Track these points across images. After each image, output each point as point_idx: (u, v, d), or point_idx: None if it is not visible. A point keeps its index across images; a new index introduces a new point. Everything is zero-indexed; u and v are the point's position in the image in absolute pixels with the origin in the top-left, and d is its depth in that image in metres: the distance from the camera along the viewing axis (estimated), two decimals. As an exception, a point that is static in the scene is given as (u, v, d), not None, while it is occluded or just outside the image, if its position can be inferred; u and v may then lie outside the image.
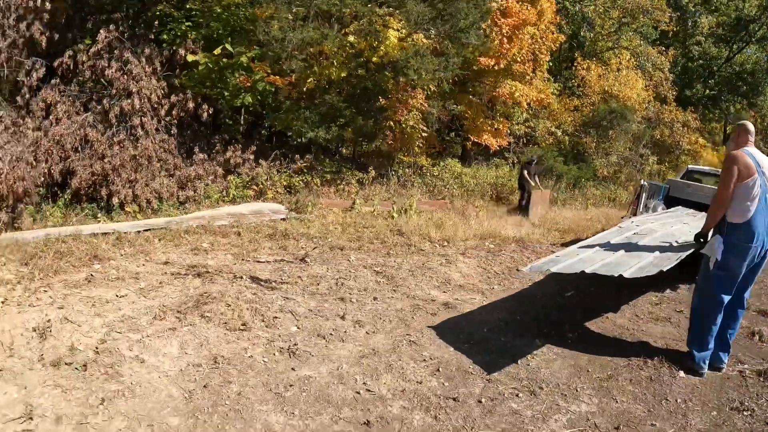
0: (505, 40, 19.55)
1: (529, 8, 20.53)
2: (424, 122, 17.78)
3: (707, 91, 40.87)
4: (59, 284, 7.14)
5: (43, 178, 12.15)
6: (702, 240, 6.42)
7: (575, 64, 29.89)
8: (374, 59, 15.63)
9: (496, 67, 19.49)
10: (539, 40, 21.50)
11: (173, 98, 14.43)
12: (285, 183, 14.92)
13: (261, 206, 13.09)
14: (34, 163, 11.77)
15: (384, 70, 16.16)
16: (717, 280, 6.02)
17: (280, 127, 16.78)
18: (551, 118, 26.51)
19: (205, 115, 15.01)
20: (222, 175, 14.62)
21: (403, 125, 16.75)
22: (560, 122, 26.70)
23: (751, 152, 6.05)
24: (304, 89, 15.75)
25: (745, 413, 5.39)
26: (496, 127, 21.45)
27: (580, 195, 22.10)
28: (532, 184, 17.13)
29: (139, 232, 10.15)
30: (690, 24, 39.58)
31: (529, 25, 20.41)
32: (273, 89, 16.14)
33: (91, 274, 7.58)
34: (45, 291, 6.85)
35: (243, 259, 9.01)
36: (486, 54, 18.96)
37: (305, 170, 15.75)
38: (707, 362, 6.21)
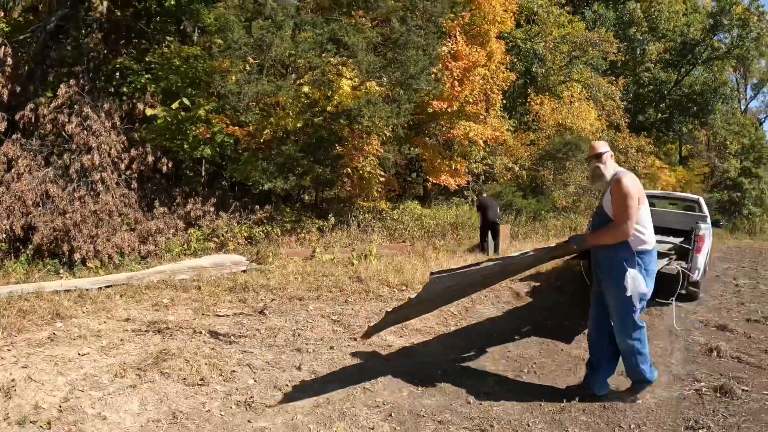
0: (456, 83, 20.17)
1: (479, 50, 21.22)
2: (381, 167, 18.28)
3: (659, 114, 42.56)
4: (23, 343, 7.28)
5: (4, 234, 12.43)
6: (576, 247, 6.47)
7: (529, 99, 30.64)
8: (329, 108, 16.07)
9: (449, 110, 20.07)
10: (490, 80, 22.31)
11: (133, 152, 14.99)
12: (246, 234, 15.19)
13: (222, 258, 13.32)
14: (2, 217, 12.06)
15: (339, 118, 16.63)
16: (635, 310, 5.93)
17: (240, 178, 17.09)
18: (508, 154, 27.05)
19: (165, 168, 15.38)
20: (183, 228, 15.00)
21: (361, 171, 17.17)
22: (517, 157, 27.25)
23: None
24: (262, 140, 16.09)
25: (701, 431, 5.57)
26: (454, 167, 21.90)
27: (540, 227, 22.64)
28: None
29: (100, 288, 10.30)
30: (639, 52, 41.01)
31: (479, 66, 21.08)
32: (231, 141, 16.49)
33: (54, 333, 7.72)
34: (8, 350, 6.99)
35: (203, 314, 9.16)
36: (438, 97, 19.59)
37: (265, 220, 16.06)
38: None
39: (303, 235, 16.08)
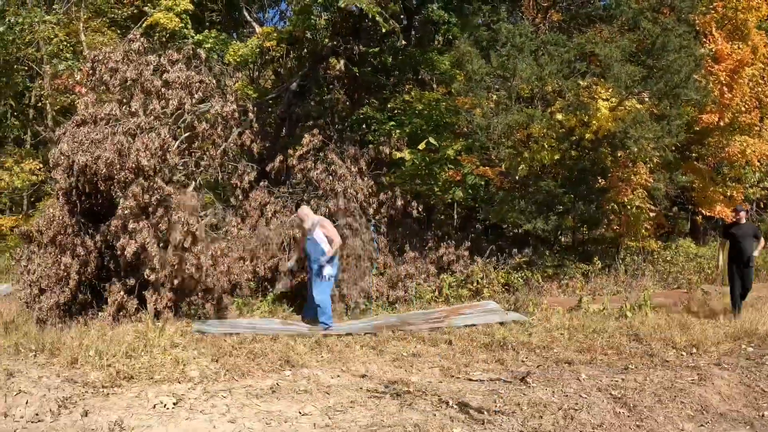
0: (725, 88, 17.10)
1: (741, 46, 17.81)
2: (651, 200, 15.89)
3: None
4: (241, 390, 6.67)
5: (251, 274, 12.36)
6: None
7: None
8: (587, 135, 14.15)
9: (720, 123, 17.09)
10: (760, 81, 18.63)
11: (381, 196, 14.24)
12: (503, 280, 13.63)
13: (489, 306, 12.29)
14: (246, 258, 12.17)
15: (599, 146, 14.59)
16: None
17: (495, 220, 15.63)
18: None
19: (415, 211, 14.40)
20: (435, 274, 14.06)
21: (628, 206, 14.93)
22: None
23: None
24: (516, 177, 14.47)
25: None
26: (729, 194, 18.88)
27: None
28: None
29: (340, 336, 9.65)
30: None
31: (746, 65, 17.70)
32: (483, 182, 15.05)
33: (278, 383, 6.98)
34: (224, 397, 6.43)
35: (452, 376, 7.79)
36: (706, 110, 16.79)
37: (524, 265, 14.36)
38: None
39: (565, 281, 14.27)
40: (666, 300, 13.26)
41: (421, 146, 15.08)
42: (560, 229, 17.20)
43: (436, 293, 13.26)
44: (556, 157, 14.22)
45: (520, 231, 15.48)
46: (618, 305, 12.15)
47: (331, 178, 13.52)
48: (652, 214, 15.63)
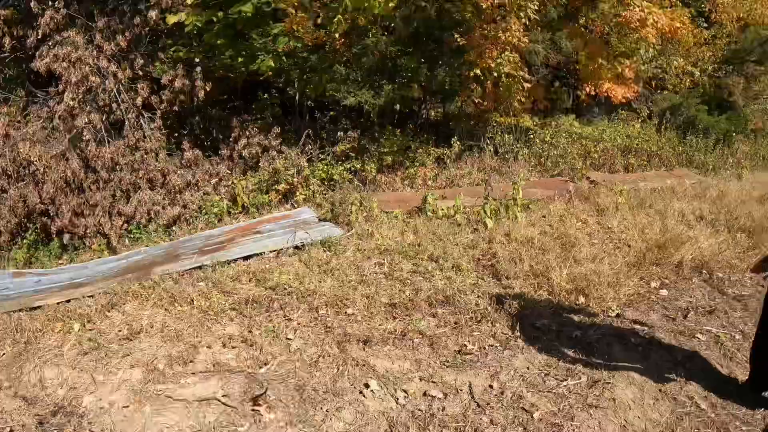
0: None
1: None
2: (526, 66, 11.65)
3: None
4: None
5: None
6: None
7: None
8: None
9: None
10: None
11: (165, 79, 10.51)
12: (323, 175, 9.54)
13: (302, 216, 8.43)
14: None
15: None
16: None
17: (313, 94, 11.09)
18: (684, 55, 19.86)
19: (201, 93, 10.10)
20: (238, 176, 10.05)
21: (495, 73, 10.83)
22: (696, 59, 20.10)
23: None
24: (337, 35, 10.09)
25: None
26: (620, 70, 15.16)
27: (729, 154, 15.91)
28: None
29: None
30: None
31: None
32: (300, 45, 10.67)
33: None
34: None
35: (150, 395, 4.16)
36: None
37: (353, 154, 10.27)
38: None
39: (413, 170, 10.25)
40: (543, 192, 9.68)
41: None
42: (399, 103, 12.29)
43: (232, 203, 9.24)
44: (392, 5, 9.82)
45: (346, 106, 11.07)
46: (478, 204, 8.39)
47: (73, 66, 9.66)
48: (527, 84, 11.43)
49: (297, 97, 12.19)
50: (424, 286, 5.69)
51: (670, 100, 17.51)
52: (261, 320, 5.18)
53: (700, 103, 17.78)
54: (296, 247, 6.90)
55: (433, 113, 13.43)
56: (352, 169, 9.86)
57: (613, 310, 5.52)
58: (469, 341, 4.80)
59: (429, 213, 7.99)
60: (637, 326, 5.25)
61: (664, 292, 6.17)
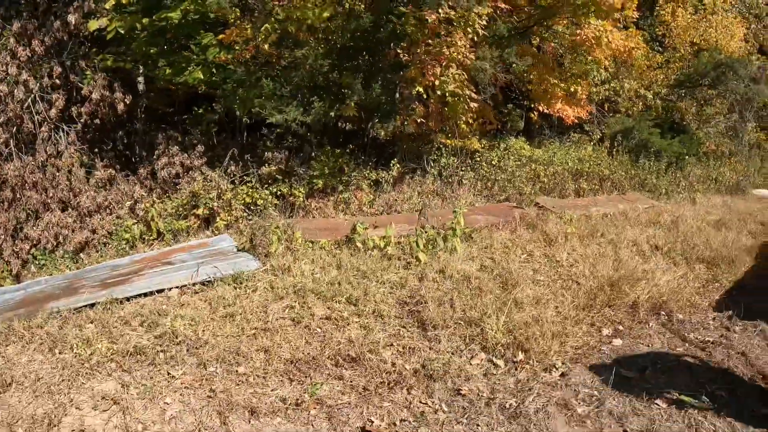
0: None
1: None
2: (472, 84, 10.80)
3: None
4: None
5: None
6: None
7: (657, 8, 22.70)
8: None
9: None
10: None
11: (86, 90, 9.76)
12: (247, 200, 8.59)
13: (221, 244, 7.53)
14: None
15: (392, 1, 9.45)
16: None
17: (241, 111, 10.14)
18: (638, 77, 19.38)
19: (121, 105, 9.22)
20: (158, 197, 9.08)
21: (440, 91, 9.96)
22: (649, 82, 19.65)
23: None
24: (266, 46, 9.14)
25: None
26: (572, 90, 14.51)
27: (682, 177, 15.43)
28: None
29: None
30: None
31: None
32: (228, 54, 9.75)
33: None
34: None
35: None
36: None
37: (280, 176, 9.32)
38: None
39: (347, 195, 9.34)
40: (488, 219, 9.00)
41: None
42: (331, 121, 10.93)
43: (147, 229, 8.25)
44: (326, 14, 8.89)
45: (277, 124, 9.98)
46: (413, 233, 7.55)
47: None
48: (473, 104, 10.53)
49: (227, 114, 11.26)
50: (334, 338, 4.82)
51: (622, 123, 16.91)
52: (142, 376, 4.34)
53: (653, 126, 17.21)
54: (204, 283, 6.01)
55: (383, 133, 12.53)
56: (279, 193, 8.93)
57: (557, 368, 4.70)
58: (377, 414, 3.93)
59: (358, 244, 7.11)
60: (586, 390, 4.42)
61: (617, 341, 5.40)
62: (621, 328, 5.70)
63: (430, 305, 5.38)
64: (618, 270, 6.86)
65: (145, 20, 9.75)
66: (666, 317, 6.09)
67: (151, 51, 10.36)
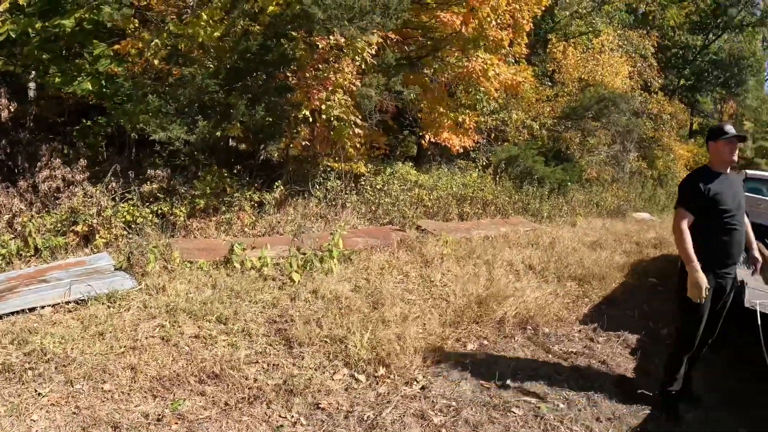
0: None
1: None
2: (357, 110, 10.95)
3: (682, 81, 35.20)
4: None
5: None
6: None
7: (549, 46, 23.71)
8: (271, 7, 9.10)
9: (464, 30, 12.54)
10: None
11: None
12: (127, 218, 8.47)
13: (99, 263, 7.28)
14: None
15: (289, 25, 9.63)
16: None
17: (126, 125, 9.88)
18: (525, 109, 20.11)
19: (5, 112, 8.99)
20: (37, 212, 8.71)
21: (325, 115, 10.08)
22: (536, 113, 20.43)
23: None
24: (155, 61, 9.12)
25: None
26: (460, 120, 14.94)
27: (565, 203, 16.16)
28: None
29: None
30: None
31: None
32: (119, 66, 9.64)
33: None
34: None
35: None
36: (451, 6, 12.51)
37: (161, 194, 9.25)
38: None
39: (229, 215, 9.36)
40: (369, 241, 9.18)
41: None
42: (218, 141, 10.68)
43: (24, 245, 7.94)
44: (217, 34, 9.03)
45: (162, 141, 9.81)
46: (289, 254, 7.65)
47: None
48: (357, 130, 10.77)
49: (118, 128, 11.03)
50: (200, 355, 4.88)
51: (508, 151, 17.49)
52: (10, 393, 4.30)
53: (537, 155, 17.92)
54: (79, 302, 5.96)
55: (276, 155, 12.50)
56: (160, 212, 8.84)
57: (418, 382, 4.90)
58: (235, 428, 4.03)
59: (236, 264, 7.17)
60: (444, 401, 4.64)
61: (481, 355, 5.64)
62: (486, 342, 5.95)
63: (297, 323, 5.52)
64: (488, 288, 7.14)
65: (38, 25, 9.53)
66: (532, 331, 6.37)
67: (44, 57, 10.14)
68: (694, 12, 34.58)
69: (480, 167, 16.54)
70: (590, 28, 25.97)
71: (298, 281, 6.82)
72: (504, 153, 17.39)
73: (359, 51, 9.68)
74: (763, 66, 39.95)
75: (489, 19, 12.61)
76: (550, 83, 22.85)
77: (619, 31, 26.34)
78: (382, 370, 4.95)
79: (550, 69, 23.44)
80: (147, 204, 8.83)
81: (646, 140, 25.77)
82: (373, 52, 10.01)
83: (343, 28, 9.09)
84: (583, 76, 22.88)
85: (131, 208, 8.52)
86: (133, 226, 8.38)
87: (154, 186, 9.15)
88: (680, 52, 34.98)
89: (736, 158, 4.51)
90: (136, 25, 9.96)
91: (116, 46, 9.44)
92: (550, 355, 5.82)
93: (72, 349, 4.88)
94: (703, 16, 34.78)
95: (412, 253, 8.83)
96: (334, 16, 8.85)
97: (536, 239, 11.15)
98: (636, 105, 23.34)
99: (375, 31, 9.80)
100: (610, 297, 8.02)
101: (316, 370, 4.87)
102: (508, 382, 5.07)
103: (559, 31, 25.15)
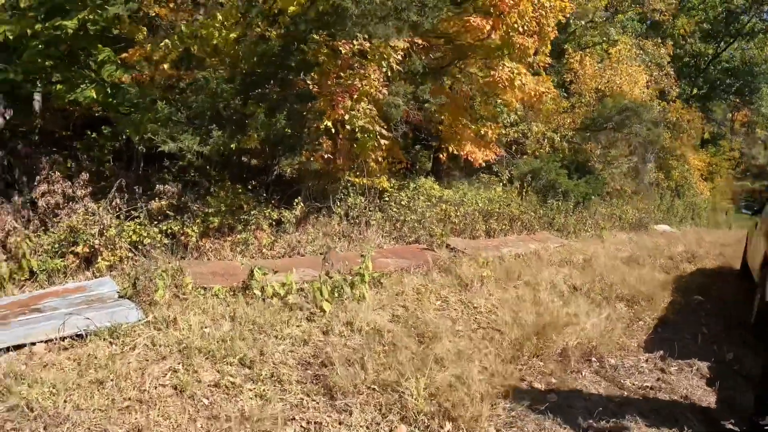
0: None
1: None
2: (384, 121, 9.95)
3: (695, 90, 34.78)
4: None
5: None
6: None
7: (566, 56, 22.96)
8: (291, 8, 8.21)
9: (492, 35, 11.62)
10: (545, 5, 13.10)
11: None
12: (133, 237, 7.55)
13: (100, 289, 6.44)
14: None
15: (310, 27, 8.69)
16: None
17: (133, 135, 8.99)
18: (545, 120, 19.32)
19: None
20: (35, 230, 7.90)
21: (349, 126, 9.01)
22: (557, 125, 19.66)
23: None
24: (165, 65, 8.21)
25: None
26: (483, 132, 14.15)
27: (588, 216, 15.42)
28: None
29: None
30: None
31: None
32: (126, 73, 8.79)
33: None
34: None
35: None
36: (480, 10, 11.45)
37: (172, 212, 8.33)
38: None
39: (246, 235, 8.45)
40: (398, 262, 8.35)
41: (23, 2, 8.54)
42: (232, 153, 9.57)
43: (17, 267, 7.06)
44: (234, 35, 8.13)
45: (172, 152, 8.86)
46: (317, 278, 6.76)
47: None
48: (384, 141, 9.77)
49: (127, 140, 10.15)
50: (223, 412, 3.96)
51: (530, 165, 16.81)
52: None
53: (561, 168, 17.17)
54: (76, 337, 5.07)
55: (289, 170, 11.52)
56: (169, 231, 7.95)
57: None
58: None
59: (256, 291, 6.27)
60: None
61: (552, 396, 4.81)
62: (553, 380, 5.17)
63: (337, 366, 4.61)
64: (541, 315, 6.41)
65: (38, 26, 8.70)
66: (598, 364, 5.67)
67: (46, 63, 9.34)
68: (705, 20, 34.27)
69: (503, 181, 15.78)
70: (604, 38, 25.40)
71: (330, 311, 5.92)
72: (526, 166, 16.71)
73: (385, 56, 8.78)
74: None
75: (516, 25, 11.77)
76: (566, 94, 22.17)
77: (634, 41, 25.78)
78: (448, 426, 4.05)
79: (568, 80, 22.74)
80: (155, 222, 7.92)
81: (662, 151, 25.27)
82: (400, 58, 9.11)
83: (377, 26, 8.19)
84: (600, 86, 22.22)
85: (138, 227, 7.62)
86: (140, 247, 7.49)
87: (163, 203, 8.24)
88: (692, 61, 34.68)
89: None
90: (145, 34, 9.17)
91: (124, 55, 8.56)
92: (625, 392, 5.08)
93: (65, 402, 3.98)
94: (714, 24, 34.44)
95: (448, 276, 8.04)
96: (368, 12, 7.94)
97: (569, 256, 10.54)
98: (655, 114, 22.68)
99: (401, 37, 8.94)
100: (663, 318, 7.42)
101: (368, 428, 3.97)
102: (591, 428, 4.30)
103: (573, 41, 24.50)
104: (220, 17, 7.73)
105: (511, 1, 11.10)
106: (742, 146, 39.20)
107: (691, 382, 5.36)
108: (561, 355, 5.61)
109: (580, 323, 6.30)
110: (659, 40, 27.88)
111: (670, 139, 25.74)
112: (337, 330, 5.49)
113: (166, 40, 7.76)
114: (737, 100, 37.45)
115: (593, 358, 5.75)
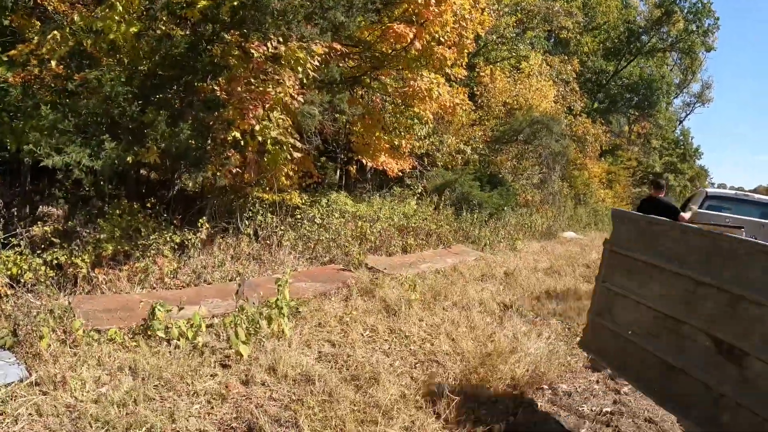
0: None
1: None
2: (297, 132, 9.23)
3: (596, 104, 35.85)
4: None
5: None
6: None
7: (477, 70, 22.69)
8: (203, 2, 7.21)
9: (415, 44, 10.66)
10: (465, 17, 12.78)
11: None
12: (12, 270, 6.36)
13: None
14: None
15: (217, 26, 7.80)
16: None
17: (12, 145, 7.51)
18: (455, 133, 18.86)
19: None
20: None
21: (260, 137, 8.00)
22: (468, 137, 19.27)
23: None
24: (53, 62, 7.01)
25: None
26: (397, 143, 13.58)
27: (501, 227, 15.27)
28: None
29: None
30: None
31: None
32: (8, 71, 7.56)
33: None
34: None
35: None
36: (406, 16, 10.95)
37: (58, 238, 7.11)
38: None
39: (145, 262, 7.37)
40: (315, 286, 7.66)
41: None
42: (129, 168, 8.12)
43: None
44: (134, 30, 6.93)
45: (57, 167, 7.41)
46: (229, 309, 5.89)
47: None
48: (296, 153, 8.78)
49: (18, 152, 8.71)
50: None
51: (443, 177, 16.47)
52: None
53: (473, 180, 16.83)
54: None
55: (191, 184, 10.33)
56: (55, 261, 6.75)
57: None
58: None
59: (159, 333, 5.31)
60: None
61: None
62: (511, 418, 4.62)
63: (266, 427, 3.76)
64: (480, 341, 6.07)
65: None
66: (551, 391, 5.29)
67: None
68: (607, 39, 35.44)
69: (416, 194, 15.20)
70: (513, 54, 25.44)
71: (247, 356, 5.03)
72: (438, 178, 16.28)
73: (302, 62, 7.89)
74: (672, 88, 41.52)
75: (438, 35, 11.18)
76: (474, 107, 21.94)
77: (542, 57, 26.07)
78: None
79: (477, 93, 22.49)
80: (38, 252, 6.72)
81: (566, 162, 25.71)
82: (317, 64, 8.25)
83: (299, 25, 7.32)
84: (509, 100, 22.17)
85: (17, 257, 6.45)
86: (21, 280, 6.32)
87: (47, 228, 7.02)
88: (594, 77, 35.64)
89: None
90: (38, 27, 7.95)
91: (12, 52, 7.31)
92: (587, 421, 4.69)
93: None
94: (616, 43, 35.58)
95: (371, 299, 7.43)
96: (291, 8, 7.05)
97: (489, 270, 10.46)
98: (563, 128, 22.83)
99: (324, 39, 8.09)
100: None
101: None
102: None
103: (483, 55, 24.35)
104: (120, 8, 6.63)
105: (436, 10, 10.46)
106: (638, 155, 41.02)
107: (649, 402, 4.90)
108: (511, 387, 5.15)
109: (522, 348, 5.90)
110: (566, 57, 28.36)
111: (575, 151, 26.08)
112: (259, 378, 4.65)
113: (55, 32, 6.64)
114: (636, 114, 38.85)
115: (545, 386, 5.35)
